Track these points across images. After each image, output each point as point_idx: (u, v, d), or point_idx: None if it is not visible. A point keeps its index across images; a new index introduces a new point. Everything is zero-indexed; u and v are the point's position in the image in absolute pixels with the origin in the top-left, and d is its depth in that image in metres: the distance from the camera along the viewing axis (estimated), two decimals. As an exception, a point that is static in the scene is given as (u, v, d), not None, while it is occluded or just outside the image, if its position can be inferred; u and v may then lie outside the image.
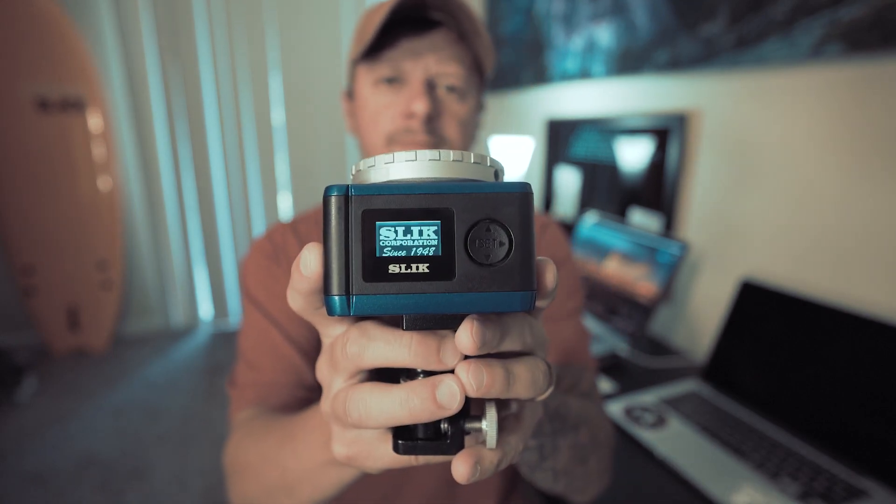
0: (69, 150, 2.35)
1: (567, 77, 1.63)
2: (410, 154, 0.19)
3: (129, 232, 2.67)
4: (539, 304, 0.21)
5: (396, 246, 0.18)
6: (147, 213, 2.70)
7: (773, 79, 1.03)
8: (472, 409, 0.24)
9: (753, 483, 0.74)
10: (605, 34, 1.44)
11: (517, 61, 1.88)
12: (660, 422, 0.88)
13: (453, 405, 0.19)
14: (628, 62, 1.37)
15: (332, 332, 0.24)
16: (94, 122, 2.36)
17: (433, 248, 0.18)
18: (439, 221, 0.18)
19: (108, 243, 2.50)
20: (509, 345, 0.21)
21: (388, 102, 0.55)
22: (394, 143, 0.56)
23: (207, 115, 2.65)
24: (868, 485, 0.73)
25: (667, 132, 1.27)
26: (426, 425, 0.22)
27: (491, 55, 0.59)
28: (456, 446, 0.22)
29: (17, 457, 1.79)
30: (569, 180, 1.68)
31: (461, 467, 0.21)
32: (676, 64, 1.21)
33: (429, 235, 0.18)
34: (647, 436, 0.84)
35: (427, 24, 0.55)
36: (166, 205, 2.71)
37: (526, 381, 0.21)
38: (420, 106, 0.53)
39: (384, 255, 0.18)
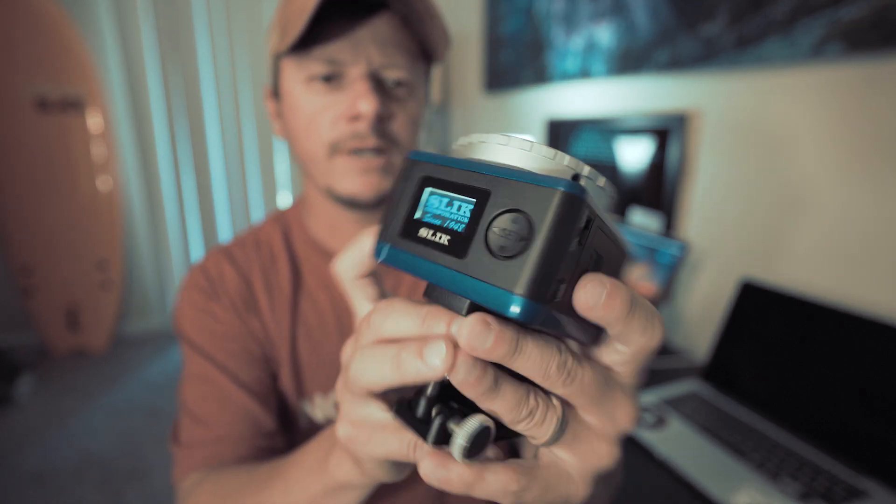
0: (69, 150, 2.35)
1: (567, 77, 1.63)
2: (503, 139, 0.19)
3: (129, 232, 2.67)
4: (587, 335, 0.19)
5: (434, 214, 0.19)
6: (147, 213, 2.69)
7: (773, 78, 1.03)
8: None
9: (754, 483, 0.74)
10: (605, 34, 1.44)
11: (517, 61, 1.88)
12: (660, 422, 0.88)
13: (437, 363, 0.18)
14: (628, 62, 1.37)
15: (363, 310, 0.25)
16: (93, 121, 2.35)
17: (460, 225, 0.18)
18: (475, 200, 0.18)
19: (108, 243, 2.50)
20: (522, 366, 0.18)
21: (327, 104, 0.47)
22: (338, 152, 0.48)
23: (207, 115, 2.65)
24: (868, 485, 0.73)
25: (667, 132, 1.27)
26: (424, 407, 0.21)
27: (445, 39, 0.51)
28: (431, 436, 0.20)
29: (17, 457, 1.78)
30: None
31: (425, 462, 0.19)
32: (676, 64, 1.21)
33: (462, 211, 0.18)
34: (648, 436, 0.84)
35: (365, 7, 0.46)
36: (166, 205, 2.71)
37: (534, 366, 0.18)
38: (367, 105, 0.45)
39: (420, 218, 0.19)
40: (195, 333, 0.52)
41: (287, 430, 0.54)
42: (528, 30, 1.80)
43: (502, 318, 0.18)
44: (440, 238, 0.18)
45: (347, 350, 0.25)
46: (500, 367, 0.19)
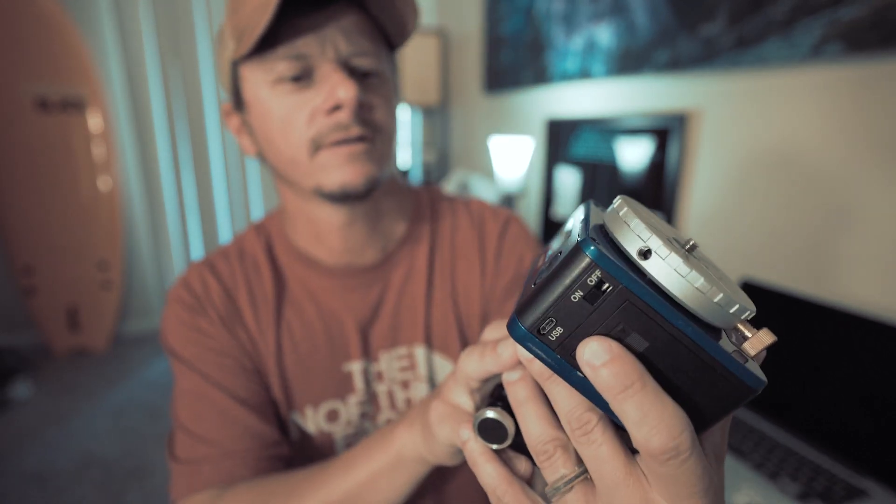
0: (69, 151, 2.35)
1: (567, 77, 1.63)
2: (698, 279, 0.17)
3: (130, 232, 2.67)
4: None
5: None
6: (147, 213, 2.70)
7: (772, 79, 1.03)
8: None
9: (753, 483, 0.74)
10: (605, 34, 1.44)
11: (517, 61, 1.88)
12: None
13: (505, 356, 0.26)
14: (628, 62, 1.37)
15: (460, 399, 0.31)
16: (94, 122, 2.36)
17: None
18: (619, 326, 0.18)
19: (109, 243, 2.50)
20: (552, 395, 0.21)
21: (300, 102, 0.44)
22: (321, 147, 0.45)
23: (207, 115, 2.65)
24: (867, 485, 0.73)
25: (667, 132, 1.27)
26: (489, 401, 0.29)
27: (412, 20, 0.48)
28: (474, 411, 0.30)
29: (18, 457, 1.79)
30: (569, 180, 1.68)
31: (463, 428, 0.28)
32: (676, 64, 1.21)
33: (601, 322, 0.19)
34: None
35: None
36: (166, 205, 2.71)
37: (560, 403, 0.21)
38: (346, 91, 0.42)
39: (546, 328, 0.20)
40: (184, 350, 0.50)
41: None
42: (528, 30, 1.80)
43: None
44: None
45: (465, 353, 0.30)
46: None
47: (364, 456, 0.36)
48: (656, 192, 1.33)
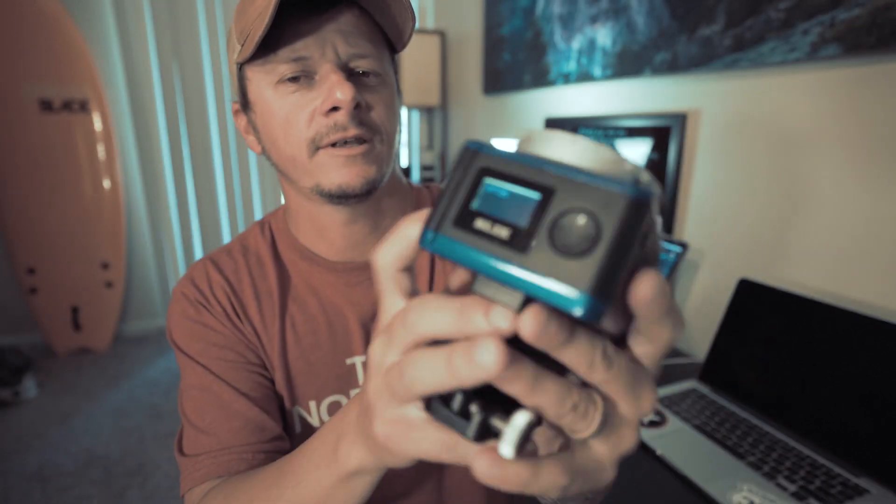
0: (72, 151, 2.36)
1: (567, 78, 1.63)
2: (569, 137, 0.19)
3: (131, 232, 2.68)
4: (634, 338, 0.20)
5: (491, 205, 0.19)
6: (149, 213, 2.71)
7: (771, 80, 1.04)
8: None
9: (751, 482, 0.74)
10: (604, 35, 1.45)
11: (517, 63, 1.89)
12: (658, 421, 0.89)
13: (490, 362, 0.18)
14: (628, 63, 1.37)
15: (395, 306, 0.24)
16: (96, 122, 2.37)
17: (521, 219, 0.18)
18: (540, 196, 0.18)
19: (111, 243, 2.52)
20: (571, 357, 0.18)
21: (300, 103, 0.46)
22: (319, 148, 0.47)
23: (209, 115, 2.66)
24: (865, 484, 0.74)
25: (666, 133, 1.28)
26: (461, 402, 0.21)
27: (410, 24, 0.49)
28: (473, 432, 0.20)
29: (20, 455, 1.79)
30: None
31: (480, 461, 0.19)
32: (675, 65, 1.21)
33: (523, 205, 0.18)
34: (646, 434, 0.85)
35: (325, 1, 0.45)
36: (168, 205, 2.72)
37: (583, 355, 0.18)
38: (343, 92, 0.43)
39: (477, 208, 0.19)
40: (190, 345, 0.51)
41: (285, 433, 0.54)
42: (528, 31, 1.80)
43: (555, 311, 0.18)
44: (499, 231, 0.18)
45: (377, 349, 0.24)
46: (537, 362, 0.19)
47: (310, 471, 0.33)
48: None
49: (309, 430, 0.54)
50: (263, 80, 0.47)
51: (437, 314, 0.20)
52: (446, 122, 2.61)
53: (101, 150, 2.41)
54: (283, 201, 0.58)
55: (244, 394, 0.50)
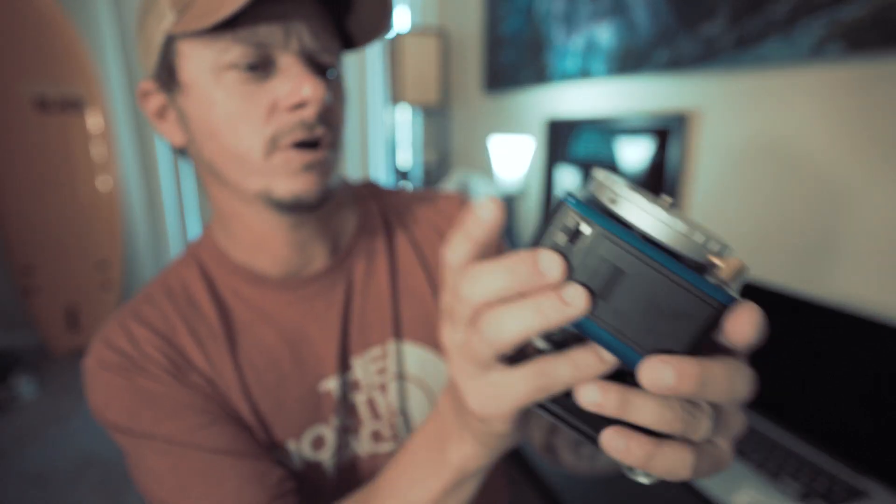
0: (69, 150, 2.35)
1: (567, 77, 1.63)
2: (646, 203, 0.20)
3: (129, 232, 2.67)
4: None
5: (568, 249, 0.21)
6: (147, 212, 2.70)
7: (773, 78, 1.03)
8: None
9: (754, 483, 0.74)
10: (605, 34, 1.44)
11: (517, 61, 1.88)
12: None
13: (580, 303, 0.20)
14: (628, 62, 1.37)
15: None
16: (93, 121, 2.36)
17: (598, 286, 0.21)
18: (616, 271, 0.20)
19: (108, 243, 2.51)
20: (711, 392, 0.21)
21: (254, 93, 0.40)
22: (278, 147, 0.41)
23: (207, 115, 2.65)
24: (868, 485, 0.73)
25: (667, 132, 1.27)
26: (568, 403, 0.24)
27: (380, 23, 0.45)
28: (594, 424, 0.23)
29: (17, 457, 1.79)
30: (569, 180, 1.68)
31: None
32: (676, 64, 1.21)
33: (599, 273, 0.21)
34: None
35: None
36: (166, 205, 2.71)
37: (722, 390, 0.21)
38: (314, 89, 0.39)
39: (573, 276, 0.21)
40: (134, 421, 0.42)
41: None
42: (528, 30, 1.80)
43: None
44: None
45: (447, 334, 0.25)
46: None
47: (416, 484, 0.32)
48: (656, 191, 1.33)
49: (293, 474, 0.49)
50: (207, 61, 0.39)
51: (488, 278, 0.21)
52: (446, 122, 2.60)
53: (98, 150, 2.40)
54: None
55: (224, 451, 0.42)
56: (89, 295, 2.51)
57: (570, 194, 0.21)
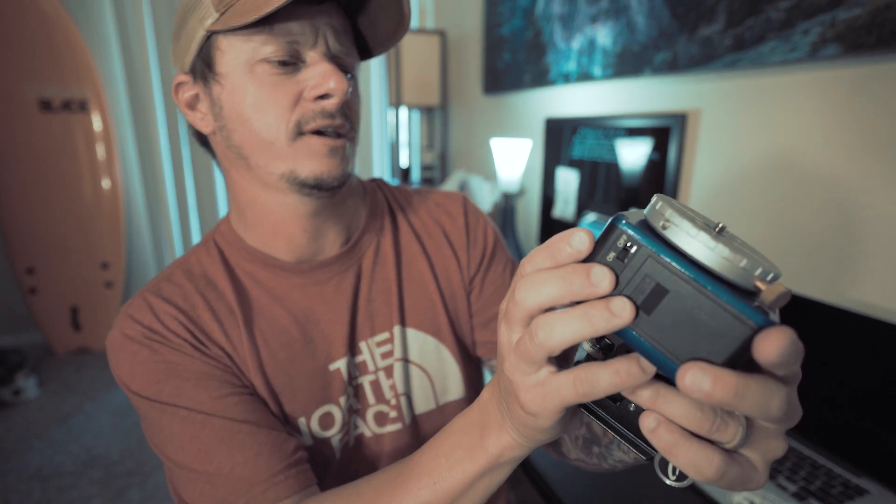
0: (72, 151, 2.36)
1: (567, 78, 1.63)
2: (693, 230, 0.22)
3: (131, 232, 2.68)
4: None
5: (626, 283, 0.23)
6: (149, 213, 2.71)
7: (771, 80, 1.04)
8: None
9: (751, 482, 0.74)
10: (604, 35, 1.45)
11: (517, 62, 1.89)
12: (658, 421, 0.89)
13: (626, 314, 0.22)
14: (628, 63, 1.37)
15: None
16: (96, 122, 2.37)
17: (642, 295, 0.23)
18: (656, 285, 0.22)
19: (111, 243, 2.51)
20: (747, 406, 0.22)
21: (284, 84, 0.44)
22: (303, 133, 0.45)
23: (209, 116, 2.65)
24: (865, 484, 0.73)
25: (666, 133, 1.28)
26: (612, 405, 0.27)
27: (399, 34, 0.49)
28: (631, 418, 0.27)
29: (20, 455, 1.79)
30: (568, 181, 1.69)
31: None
32: (676, 65, 1.21)
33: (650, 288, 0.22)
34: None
35: None
36: (168, 205, 2.72)
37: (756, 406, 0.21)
38: (338, 82, 0.43)
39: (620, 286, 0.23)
40: (159, 390, 0.44)
41: None
42: (528, 31, 1.80)
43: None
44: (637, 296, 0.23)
45: (503, 334, 0.28)
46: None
47: (453, 467, 0.34)
48: (655, 192, 1.33)
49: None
50: (243, 55, 0.43)
51: (543, 286, 0.24)
52: (446, 122, 2.61)
53: (100, 150, 2.41)
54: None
55: (243, 420, 0.45)
56: (92, 295, 2.51)
57: (621, 215, 0.23)
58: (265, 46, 0.43)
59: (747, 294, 0.21)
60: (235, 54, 0.44)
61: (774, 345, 0.19)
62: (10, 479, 1.68)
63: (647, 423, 0.23)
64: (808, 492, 0.72)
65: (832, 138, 0.95)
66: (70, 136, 2.34)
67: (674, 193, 1.28)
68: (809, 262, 1.01)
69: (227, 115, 0.46)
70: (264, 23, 0.42)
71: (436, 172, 2.69)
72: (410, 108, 2.56)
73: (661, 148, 1.30)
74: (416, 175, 2.75)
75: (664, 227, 0.22)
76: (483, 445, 0.33)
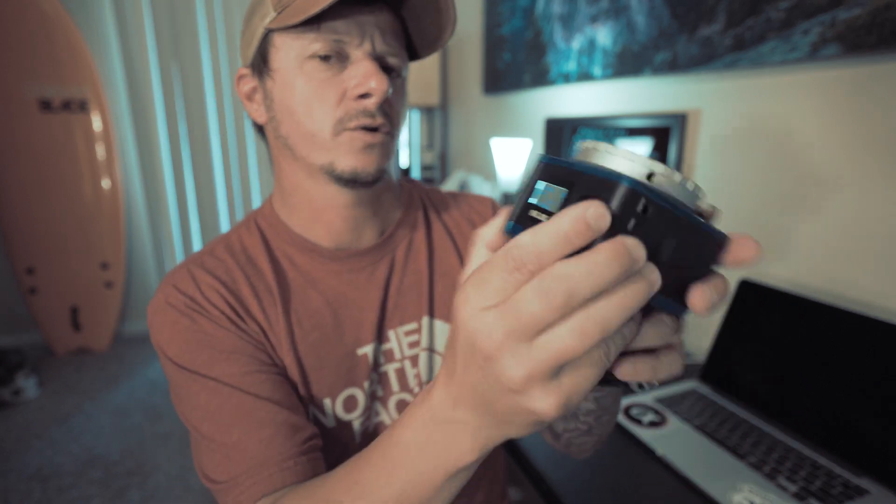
0: (71, 151, 2.36)
1: (567, 78, 1.63)
2: (628, 153, 0.23)
3: (131, 232, 2.68)
4: None
5: (540, 199, 0.24)
6: (148, 213, 2.71)
7: (771, 80, 1.04)
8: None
9: (752, 482, 0.74)
10: (604, 35, 1.45)
11: (517, 62, 1.88)
12: (659, 421, 0.89)
13: (655, 277, 0.21)
14: (628, 63, 1.37)
15: (481, 258, 0.28)
16: (95, 122, 2.37)
17: (555, 207, 0.23)
18: (567, 189, 0.23)
19: (110, 243, 2.51)
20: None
21: (328, 81, 0.47)
22: (344, 129, 0.47)
23: (208, 115, 2.65)
24: (866, 484, 0.73)
25: (666, 133, 1.28)
26: None
27: (445, 35, 0.50)
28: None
29: (20, 455, 1.79)
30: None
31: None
32: (676, 65, 1.21)
33: (558, 197, 0.23)
34: (647, 435, 0.85)
35: None
36: (168, 205, 2.72)
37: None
38: (379, 83, 0.45)
39: (533, 202, 0.24)
40: (193, 358, 0.46)
41: None
42: (528, 31, 1.80)
43: None
44: (542, 217, 0.23)
45: (500, 334, 0.21)
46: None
47: (411, 471, 0.30)
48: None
49: (325, 430, 0.53)
50: (294, 52, 0.47)
51: (592, 277, 0.19)
52: (446, 122, 2.61)
53: (100, 150, 2.41)
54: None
55: (266, 398, 0.46)
56: (91, 295, 2.51)
57: (602, 169, 0.22)
58: (313, 44, 0.46)
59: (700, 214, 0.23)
60: (287, 51, 0.47)
61: (752, 249, 0.22)
62: (10, 479, 1.68)
63: (626, 370, 0.24)
64: (809, 492, 0.72)
65: (832, 138, 0.95)
66: (70, 136, 2.34)
67: (674, 193, 1.28)
68: (809, 262, 1.01)
69: (277, 108, 0.49)
70: (314, 22, 0.45)
71: (436, 172, 2.69)
72: (410, 107, 2.56)
73: (661, 148, 1.30)
74: (416, 175, 2.75)
75: (645, 176, 0.23)
76: (450, 450, 0.28)
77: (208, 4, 2.51)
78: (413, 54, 0.55)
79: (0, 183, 2.30)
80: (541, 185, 0.24)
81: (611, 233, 0.20)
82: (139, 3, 2.42)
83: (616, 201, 0.20)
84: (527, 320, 0.20)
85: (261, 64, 0.50)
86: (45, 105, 2.27)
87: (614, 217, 0.20)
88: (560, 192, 0.23)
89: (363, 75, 0.46)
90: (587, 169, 0.23)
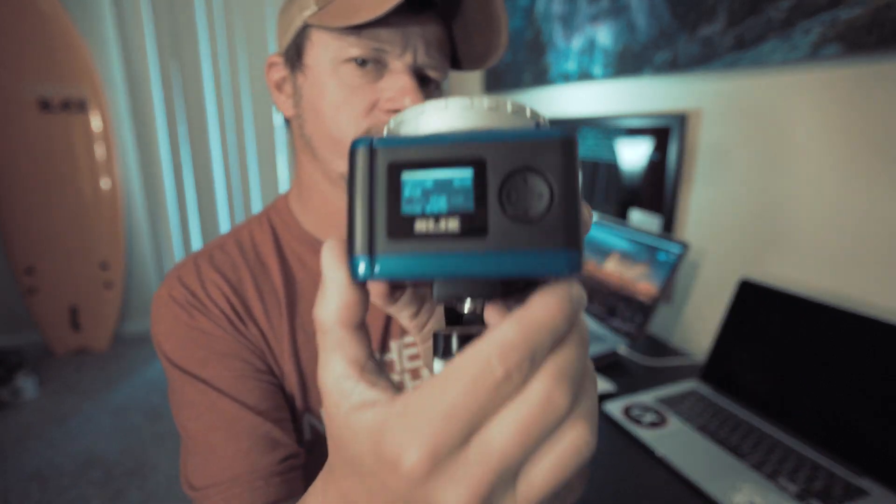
0: (71, 151, 2.36)
1: (567, 78, 1.63)
2: (441, 103, 0.18)
3: (130, 232, 2.68)
4: None
5: (424, 200, 0.16)
6: (148, 213, 2.70)
7: (772, 79, 1.04)
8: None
9: (752, 482, 0.74)
10: (604, 35, 1.45)
11: (517, 62, 1.88)
12: (659, 421, 0.89)
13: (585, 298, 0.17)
14: (628, 63, 1.37)
15: (339, 385, 0.19)
16: (95, 122, 2.36)
17: (463, 203, 0.16)
18: (471, 171, 0.16)
19: (110, 243, 2.51)
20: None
21: (361, 88, 0.45)
22: None
23: (208, 115, 2.65)
24: (867, 485, 0.73)
25: (667, 132, 1.28)
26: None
27: (497, 51, 0.48)
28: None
29: (19, 456, 1.79)
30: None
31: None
32: (676, 64, 1.21)
33: (459, 188, 0.16)
34: (647, 435, 0.85)
35: (416, 3, 0.44)
36: (167, 205, 2.71)
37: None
38: (414, 102, 0.43)
39: (410, 210, 0.16)
40: (188, 357, 0.45)
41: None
42: (528, 30, 1.80)
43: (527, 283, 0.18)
44: (446, 225, 0.16)
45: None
46: None
47: None
48: (656, 192, 1.33)
49: (319, 438, 0.51)
50: (330, 52, 0.45)
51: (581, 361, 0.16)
52: (446, 122, 2.60)
53: (99, 150, 2.40)
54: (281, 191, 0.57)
55: (251, 407, 0.45)
56: (90, 295, 2.51)
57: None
58: (352, 48, 0.44)
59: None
60: (324, 50, 0.45)
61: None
62: (10, 479, 1.68)
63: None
64: (809, 492, 0.72)
65: (832, 138, 0.95)
66: (69, 136, 2.34)
67: (674, 193, 1.28)
68: (809, 262, 1.01)
69: (305, 106, 0.48)
70: (355, 26, 0.42)
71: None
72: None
73: (661, 148, 1.30)
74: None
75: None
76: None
77: (208, 4, 2.51)
78: (455, 62, 0.52)
79: (0, 183, 2.29)
80: (409, 179, 0.16)
81: (575, 197, 0.16)
82: (138, 2, 2.42)
83: (564, 162, 0.16)
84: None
85: (294, 57, 0.48)
86: (45, 105, 2.27)
87: (568, 175, 0.16)
88: (460, 177, 0.16)
89: (399, 90, 0.43)
90: (481, 136, 0.16)
